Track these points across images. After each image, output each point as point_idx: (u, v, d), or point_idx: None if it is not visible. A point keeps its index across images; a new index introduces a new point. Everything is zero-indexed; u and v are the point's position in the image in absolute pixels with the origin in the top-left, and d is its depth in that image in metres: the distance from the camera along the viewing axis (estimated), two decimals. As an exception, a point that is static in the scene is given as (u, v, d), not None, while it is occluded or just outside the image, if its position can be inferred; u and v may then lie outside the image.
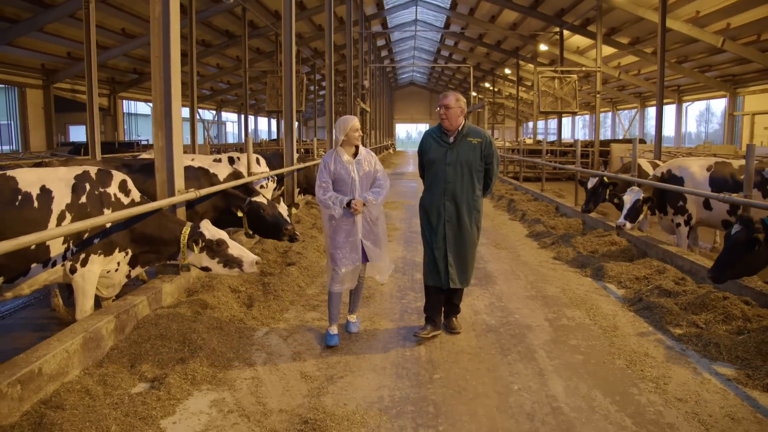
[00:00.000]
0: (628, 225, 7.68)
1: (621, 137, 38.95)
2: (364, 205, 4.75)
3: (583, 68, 25.73)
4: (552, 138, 42.32)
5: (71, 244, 4.37)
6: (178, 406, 3.67)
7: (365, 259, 4.86)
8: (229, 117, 51.37)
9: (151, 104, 35.60)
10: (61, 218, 4.27)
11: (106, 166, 5.23)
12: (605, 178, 9.51)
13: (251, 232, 6.64)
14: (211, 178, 7.03)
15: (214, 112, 46.33)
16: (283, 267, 6.82)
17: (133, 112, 36.08)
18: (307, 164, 11.97)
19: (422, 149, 5.06)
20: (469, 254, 4.93)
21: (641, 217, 7.85)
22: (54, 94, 26.49)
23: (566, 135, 52.66)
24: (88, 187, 4.46)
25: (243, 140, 45.22)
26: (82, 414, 3.31)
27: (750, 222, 4.93)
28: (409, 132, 79.11)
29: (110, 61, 27.06)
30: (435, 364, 4.38)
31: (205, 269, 5.07)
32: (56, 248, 4.27)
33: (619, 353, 4.57)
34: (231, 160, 8.53)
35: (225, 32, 28.38)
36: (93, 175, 4.56)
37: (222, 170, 7.44)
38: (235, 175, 7.54)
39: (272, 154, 12.30)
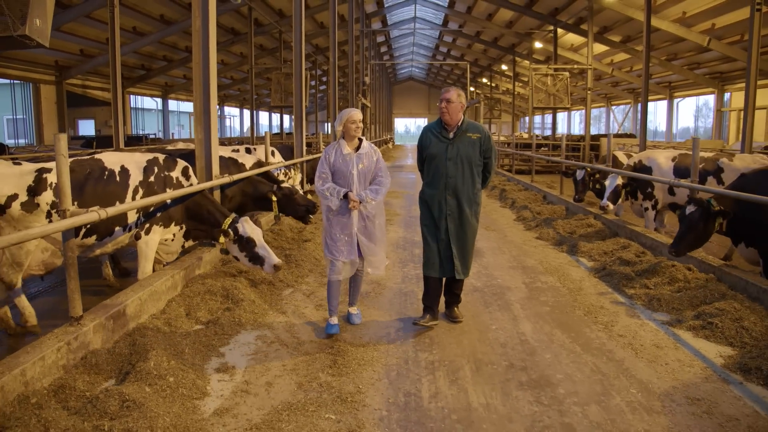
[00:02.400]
0: (611, 206, 8.74)
1: (615, 132, 40.07)
2: (360, 202, 4.81)
3: (575, 65, 26.71)
4: (549, 132, 43.39)
5: (141, 215, 5.45)
6: (230, 339, 4.74)
7: (360, 253, 4.94)
8: (230, 111, 52.37)
9: (156, 99, 36.61)
10: (135, 193, 5.36)
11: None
12: (588, 169, 10.56)
13: (279, 214, 7.56)
14: (240, 167, 8.08)
15: (217, 106, 47.27)
16: (301, 243, 7.90)
17: (139, 106, 37.05)
18: (315, 156, 13.02)
19: (422, 144, 5.16)
20: (470, 245, 5.09)
21: (620, 200, 8.91)
22: (66, 90, 27.50)
23: (565, 129, 53.72)
24: (156, 169, 5.55)
25: (245, 134, 46.23)
26: (161, 340, 4.37)
27: (703, 202, 5.89)
28: (408, 126, 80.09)
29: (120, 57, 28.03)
30: (430, 314, 5.45)
31: (235, 258, 6.00)
32: (131, 217, 5.35)
33: (579, 306, 5.65)
34: (248, 151, 9.60)
35: (230, 30, 29.31)
36: (161, 160, 5.63)
37: (248, 160, 8.49)
38: (259, 164, 8.57)
39: (281, 147, 13.35)
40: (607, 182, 9.00)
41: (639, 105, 38.87)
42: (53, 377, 3.69)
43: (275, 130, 51.64)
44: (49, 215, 5.14)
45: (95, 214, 4.14)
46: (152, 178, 5.52)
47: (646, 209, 8.81)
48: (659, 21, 22.24)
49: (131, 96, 34.90)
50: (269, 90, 40.12)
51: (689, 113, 36.40)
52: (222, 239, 5.58)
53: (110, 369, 4.00)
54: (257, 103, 48.29)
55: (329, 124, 35.26)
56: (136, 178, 5.44)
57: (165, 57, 30.89)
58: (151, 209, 5.48)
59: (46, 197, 5.10)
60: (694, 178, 6.73)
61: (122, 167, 5.38)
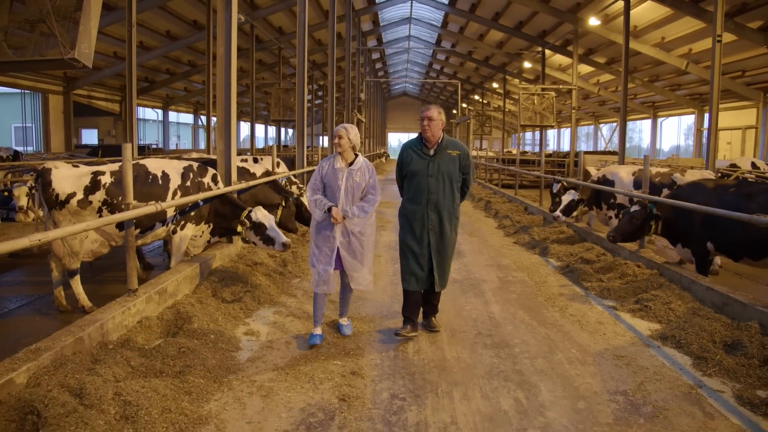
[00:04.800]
0: (562, 217, 9.82)
1: (603, 149, 41.49)
2: (344, 217, 4.89)
3: (561, 86, 28.00)
4: (537, 149, 44.79)
5: (176, 213, 6.51)
6: (252, 313, 5.80)
7: (339, 266, 4.99)
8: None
9: (157, 110, 37.59)
10: (174, 194, 6.43)
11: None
12: (564, 183, 11.69)
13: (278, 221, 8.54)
14: (251, 175, 9.15)
15: (215, 118, 48.36)
16: (305, 242, 8.96)
17: (141, 117, 38.09)
18: (313, 168, 14.10)
19: (402, 161, 5.27)
20: (449, 259, 5.27)
21: (576, 213, 10.01)
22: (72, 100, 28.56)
23: (555, 146, 55.15)
24: (191, 175, 6.63)
25: (241, 145, 47.22)
26: (198, 311, 5.41)
27: (646, 205, 7.09)
28: (401, 141, 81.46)
29: (124, 71, 29.13)
30: (417, 298, 6.51)
31: (253, 243, 7.06)
32: (169, 214, 6.41)
33: (542, 295, 6.74)
34: (255, 160, 10.68)
35: (232, 45, 30.44)
36: (195, 168, 6.72)
37: (258, 169, 9.57)
38: (267, 173, 9.64)
39: (283, 158, 14.44)
40: (564, 197, 10.08)
41: (624, 124, 40.33)
42: (119, 333, 4.74)
43: (271, 143, 52.74)
44: (99, 211, 6.19)
45: (153, 207, 5.22)
46: (188, 183, 6.62)
47: (610, 218, 9.91)
48: (640, 45, 23.59)
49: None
50: (266, 103, 41.31)
51: (679, 131, 37.75)
52: (240, 228, 6.64)
53: (160, 330, 5.05)
54: (255, 115, 49.57)
55: (324, 137, 36.33)
56: (175, 182, 6.53)
57: (168, 70, 32.00)
58: (186, 208, 6.55)
59: (99, 196, 6.15)
60: (645, 189, 7.85)
61: (163, 172, 6.47)
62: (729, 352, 4.74)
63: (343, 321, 5.34)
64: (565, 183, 11.67)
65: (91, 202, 6.15)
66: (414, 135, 5.42)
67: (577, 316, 5.91)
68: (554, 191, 11.64)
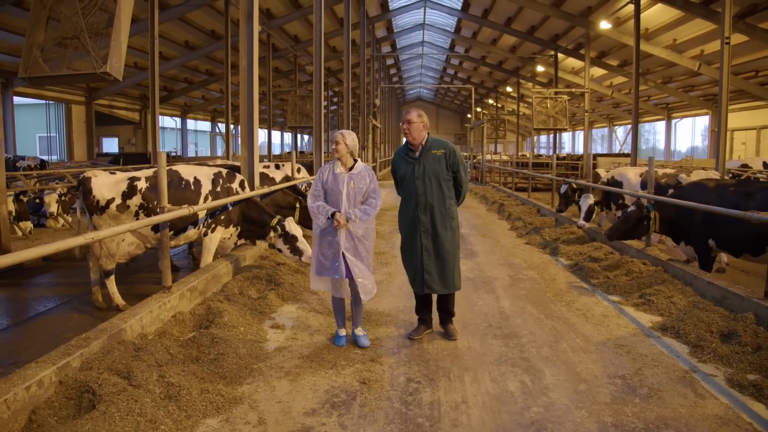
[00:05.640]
0: (586, 225, 10.13)
1: (617, 151, 41.55)
2: (348, 220, 4.90)
3: (574, 89, 28.22)
4: (557, 152, 44.98)
5: (207, 216, 6.95)
6: (277, 309, 6.20)
7: (349, 273, 4.95)
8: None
9: (176, 119, 38.32)
10: (205, 199, 6.87)
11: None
12: (573, 185, 12.00)
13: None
14: (271, 180, 9.58)
15: (232, 126, 49.16)
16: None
17: (160, 125, 38.83)
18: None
19: (394, 168, 5.38)
20: (449, 260, 5.18)
21: (594, 215, 10.32)
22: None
23: (570, 149, 55.24)
24: (221, 181, 7.07)
25: (260, 152, 47.88)
26: (227, 307, 5.81)
27: (642, 205, 7.43)
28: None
29: (144, 80, 29.89)
30: (431, 295, 6.87)
31: (279, 250, 7.43)
32: (200, 217, 6.85)
33: (550, 291, 7.07)
34: (277, 167, 11.12)
35: (249, 54, 31.08)
36: (224, 174, 7.16)
37: (278, 174, 10.01)
38: (287, 178, 10.08)
39: (300, 164, 14.89)
40: (581, 203, 10.36)
41: (639, 126, 40.45)
42: (156, 326, 5.16)
43: (286, 149, 53.40)
44: (136, 214, 6.64)
45: (186, 209, 5.65)
46: (218, 188, 7.05)
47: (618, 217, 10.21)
48: (652, 47, 23.79)
49: (153, 116, 36.72)
50: (282, 110, 41.89)
51: (694, 132, 37.79)
52: (271, 234, 7.05)
53: (193, 324, 5.46)
54: (270, 122, 50.30)
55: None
56: (206, 187, 6.97)
57: (186, 79, 32.73)
58: (216, 212, 6.98)
59: (135, 200, 6.61)
60: (650, 190, 8.15)
61: (195, 178, 6.91)
62: (724, 341, 5.04)
63: (359, 332, 5.22)
64: (574, 185, 11.99)
65: (128, 206, 6.61)
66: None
67: (582, 310, 6.23)
68: (562, 192, 11.95)
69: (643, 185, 9.90)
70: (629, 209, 7.51)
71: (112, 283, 6.70)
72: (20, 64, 6.92)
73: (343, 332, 5.21)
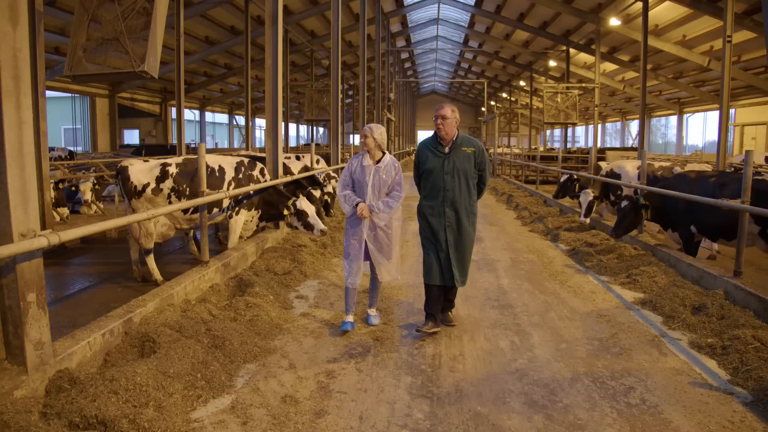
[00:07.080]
0: (587, 221, 10.76)
1: (630, 145, 41.90)
2: (371, 212, 5.17)
3: (584, 84, 28.69)
4: (570, 145, 45.44)
5: (232, 201, 7.73)
6: (301, 283, 6.98)
7: (368, 257, 5.28)
8: (261, 123, 55.19)
9: (194, 111, 39.18)
10: (229, 185, 7.64)
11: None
12: (575, 176, 12.64)
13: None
14: (291, 171, 10.35)
15: (257, 119, 50.13)
16: (340, 229, 10.13)
17: (179, 118, 39.78)
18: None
19: (419, 160, 5.36)
20: (468, 254, 5.34)
21: (595, 208, 10.95)
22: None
23: (583, 142, 55.57)
24: (243, 169, 7.84)
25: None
26: (256, 280, 6.59)
27: (633, 198, 8.09)
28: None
29: (165, 74, 30.79)
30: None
31: (295, 228, 8.23)
32: (225, 202, 7.63)
33: (547, 271, 7.78)
34: (297, 158, 11.90)
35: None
36: (246, 162, 7.93)
37: (297, 165, 10.78)
38: (305, 169, 10.84)
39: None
40: (581, 199, 10.96)
41: (651, 120, 40.71)
42: (197, 294, 5.94)
43: (302, 141, 54.27)
44: (168, 197, 7.42)
45: (223, 194, 6.42)
46: (241, 176, 7.83)
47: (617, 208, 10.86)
48: (661, 43, 24.24)
49: (172, 108, 37.72)
50: (297, 103, 42.69)
51: (706, 127, 38.04)
52: (286, 212, 7.81)
53: (227, 294, 6.24)
54: (286, 115, 51.22)
55: (354, 136, 37.50)
56: (230, 174, 7.75)
57: (205, 73, 33.60)
58: (240, 197, 7.76)
59: (168, 184, 7.40)
60: (643, 181, 8.81)
61: (220, 166, 7.69)
62: (694, 313, 5.73)
63: (371, 311, 5.58)
64: (575, 176, 12.62)
65: (161, 190, 7.40)
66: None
67: (573, 288, 6.94)
68: (561, 181, 12.55)
69: (641, 178, 10.53)
70: (622, 204, 8.14)
71: (151, 260, 7.50)
72: (65, 63, 7.67)
73: (350, 318, 5.37)
